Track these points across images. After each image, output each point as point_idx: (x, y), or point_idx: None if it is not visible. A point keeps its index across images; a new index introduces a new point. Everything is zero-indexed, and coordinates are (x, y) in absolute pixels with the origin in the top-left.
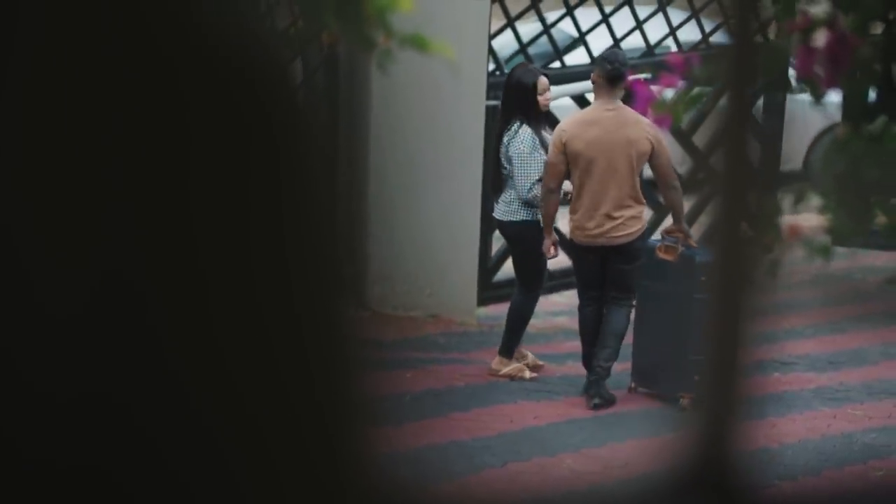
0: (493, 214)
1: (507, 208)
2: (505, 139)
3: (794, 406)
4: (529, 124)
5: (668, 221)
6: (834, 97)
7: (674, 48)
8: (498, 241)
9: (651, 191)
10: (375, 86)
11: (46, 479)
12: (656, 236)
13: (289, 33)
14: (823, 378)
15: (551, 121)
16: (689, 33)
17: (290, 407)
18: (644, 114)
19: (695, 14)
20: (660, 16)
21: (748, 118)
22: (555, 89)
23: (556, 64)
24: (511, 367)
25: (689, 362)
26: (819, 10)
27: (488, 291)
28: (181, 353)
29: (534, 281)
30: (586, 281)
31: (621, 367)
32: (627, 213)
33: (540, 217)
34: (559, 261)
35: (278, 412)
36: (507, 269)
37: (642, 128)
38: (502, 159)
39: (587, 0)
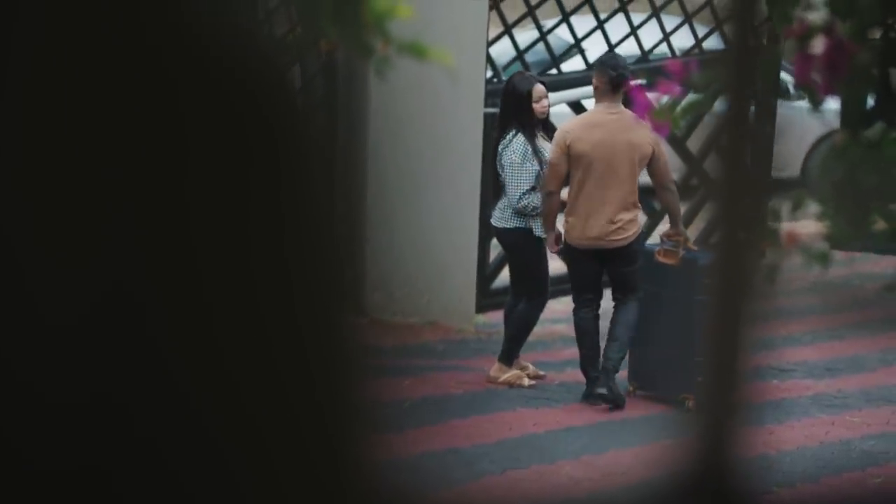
0: (490, 221)
1: (501, 215)
2: (500, 147)
3: (792, 413)
4: (524, 132)
5: (665, 226)
6: (832, 104)
7: (667, 54)
8: (496, 249)
9: (644, 196)
10: (374, 93)
11: (50, 483)
12: (653, 240)
13: (287, 40)
14: (821, 385)
15: (549, 128)
16: (683, 39)
17: (290, 413)
18: (642, 120)
19: (688, 19)
20: (653, 22)
21: (746, 124)
22: (551, 96)
23: (553, 71)
24: (510, 375)
25: (691, 364)
26: (816, 16)
27: (486, 299)
28: (181, 358)
29: (535, 289)
30: (583, 284)
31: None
32: (626, 216)
33: (533, 225)
34: (556, 267)
35: (278, 419)
36: (505, 276)
37: (644, 132)
38: (498, 167)
39: (583, 7)
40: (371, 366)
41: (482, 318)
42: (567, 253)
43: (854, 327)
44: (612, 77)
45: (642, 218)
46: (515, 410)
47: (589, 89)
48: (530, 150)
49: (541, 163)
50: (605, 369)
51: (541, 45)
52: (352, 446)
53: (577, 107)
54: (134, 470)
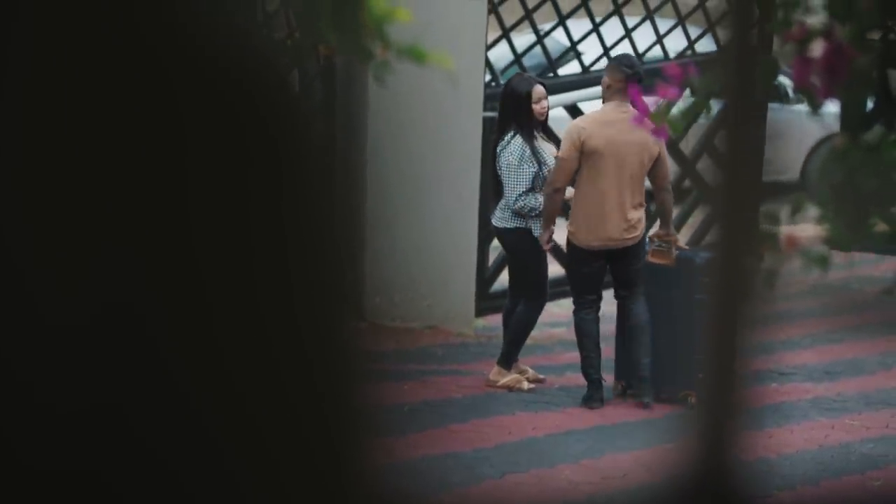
0: (492, 220)
1: (502, 215)
2: (498, 149)
3: (791, 416)
4: (522, 134)
5: (654, 228)
6: (831, 107)
7: (661, 56)
8: (493, 252)
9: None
10: (372, 97)
11: (53, 486)
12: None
13: (286, 44)
14: (821, 388)
15: (548, 131)
16: (676, 41)
17: (291, 417)
18: (641, 124)
19: (681, 22)
20: (647, 25)
21: (747, 127)
22: (548, 99)
23: (550, 75)
24: (509, 378)
25: (682, 362)
26: (815, 20)
27: (485, 302)
28: (182, 360)
29: (534, 290)
30: (587, 286)
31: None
32: (636, 214)
33: (533, 225)
34: (554, 270)
35: (279, 422)
36: (504, 279)
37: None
38: (497, 168)
39: (579, 10)
40: (371, 370)
41: (481, 322)
42: (572, 254)
43: (853, 330)
44: (627, 75)
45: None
46: (515, 414)
47: (585, 92)
48: (528, 151)
49: (539, 164)
50: (641, 377)
51: (538, 49)
52: (353, 450)
53: (573, 110)
54: (137, 475)
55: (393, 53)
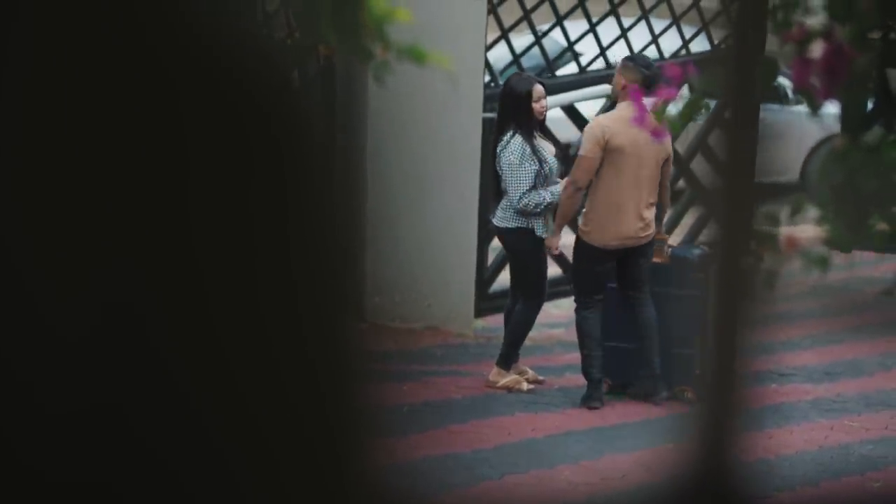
0: (492, 220)
1: (503, 214)
2: (498, 149)
3: (791, 417)
4: (522, 133)
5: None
6: (831, 108)
7: (656, 56)
8: (493, 252)
9: None
10: (372, 97)
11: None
12: None
13: (286, 44)
14: (821, 389)
15: (546, 130)
16: (671, 41)
17: (291, 417)
18: (641, 123)
19: (675, 21)
20: (642, 24)
21: (748, 128)
22: (548, 100)
23: (549, 76)
24: (508, 379)
25: (683, 358)
26: (815, 21)
27: (485, 303)
28: (182, 359)
29: (533, 290)
30: (595, 285)
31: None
32: (650, 213)
33: (535, 225)
34: (552, 271)
35: (280, 423)
36: (503, 280)
37: None
38: (497, 168)
39: (576, 10)
40: (371, 370)
41: (481, 323)
42: (584, 253)
43: (853, 331)
44: (646, 76)
45: None
46: (514, 415)
47: (582, 93)
48: (528, 150)
49: (540, 162)
50: (654, 376)
51: (537, 50)
52: (353, 450)
53: (571, 110)
54: (138, 476)
55: (393, 54)
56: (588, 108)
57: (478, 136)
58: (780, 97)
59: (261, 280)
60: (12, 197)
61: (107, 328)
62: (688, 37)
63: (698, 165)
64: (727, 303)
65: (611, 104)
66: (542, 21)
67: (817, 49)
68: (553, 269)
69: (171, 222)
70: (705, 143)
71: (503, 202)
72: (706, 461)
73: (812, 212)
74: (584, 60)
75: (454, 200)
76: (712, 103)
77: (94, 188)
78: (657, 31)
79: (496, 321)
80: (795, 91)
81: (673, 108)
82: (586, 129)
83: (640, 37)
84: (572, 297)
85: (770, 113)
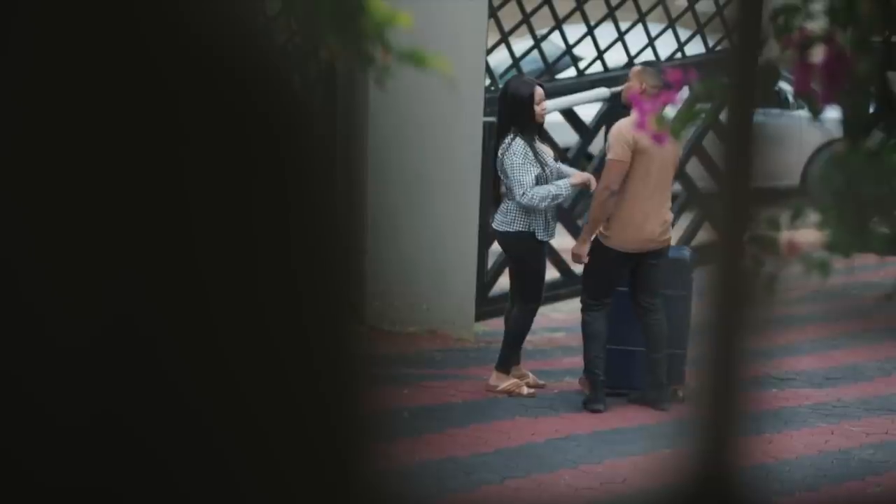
0: (492, 225)
1: (503, 218)
2: (499, 152)
3: (791, 422)
4: (523, 136)
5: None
6: (832, 113)
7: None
8: (492, 256)
9: None
10: (373, 101)
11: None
12: None
13: (287, 48)
14: (821, 394)
15: (544, 134)
16: (666, 44)
17: (292, 421)
18: (642, 128)
19: (671, 25)
20: (638, 28)
21: (751, 133)
22: (546, 103)
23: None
24: (508, 383)
25: (678, 357)
26: (816, 25)
27: (485, 306)
28: (184, 364)
29: (530, 294)
30: (609, 288)
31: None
32: (668, 216)
33: (536, 228)
34: (550, 275)
35: (281, 426)
36: (503, 284)
37: None
38: (499, 172)
39: (574, 14)
40: (370, 374)
41: (481, 327)
42: (602, 256)
43: (854, 336)
44: (665, 81)
45: None
46: (514, 419)
47: (581, 96)
48: (530, 152)
49: (542, 165)
50: (661, 385)
51: (536, 54)
52: (354, 454)
53: (569, 114)
54: (141, 481)
55: (394, 58)
56: (587, 113)
57: (478, 139)
58: (780, 102)
59: (262, 284)
60: (12, 198)
61: (106, 333)
62: (683, 40)
63: (693, 168)
64: (727, 307)
65: (608, 108)
66: (542, 25)
67: (818, 54)
68: (552, 273)
69: (172, 226)
70: (700, 146)
71: (503, 206)
72: (706, 466)
73: (813, 216)
74: (581, 64)
75: (455, 204)
76: (709, 107)
77: (95, 192)
78: (653, 35)
79: (496, 325)
80: (796, 96)
81: (673, 112)
82: (613, 133)
83: (636, 40)
84: (574, 300)
85: (771, 117)
